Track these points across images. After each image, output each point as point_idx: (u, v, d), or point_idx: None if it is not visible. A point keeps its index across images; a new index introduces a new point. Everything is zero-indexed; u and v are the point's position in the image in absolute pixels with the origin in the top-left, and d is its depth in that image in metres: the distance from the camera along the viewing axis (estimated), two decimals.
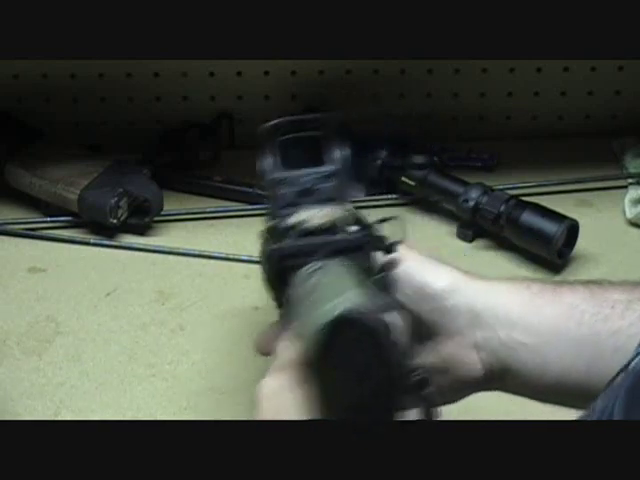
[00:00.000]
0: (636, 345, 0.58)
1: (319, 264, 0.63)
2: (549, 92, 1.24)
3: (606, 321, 0.66)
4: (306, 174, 0.70)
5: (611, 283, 0.69)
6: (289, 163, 0.71)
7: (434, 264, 0.72)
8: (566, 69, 1.22)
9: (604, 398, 0.49)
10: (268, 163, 0.70)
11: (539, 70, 1.22)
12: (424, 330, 0.71)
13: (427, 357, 0.72)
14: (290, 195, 0.69)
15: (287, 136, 0.70)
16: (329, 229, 0.67)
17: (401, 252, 0.69)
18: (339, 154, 0.70)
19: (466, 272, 0.72)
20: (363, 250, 0.66)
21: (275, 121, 0.70)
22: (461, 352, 0.70)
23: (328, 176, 0.70)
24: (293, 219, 0.67)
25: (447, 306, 0.70)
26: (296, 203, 0.68)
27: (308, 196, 0.69)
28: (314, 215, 0.67)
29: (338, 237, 0.66)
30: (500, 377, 0.69)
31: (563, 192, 1.15)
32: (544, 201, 1.06)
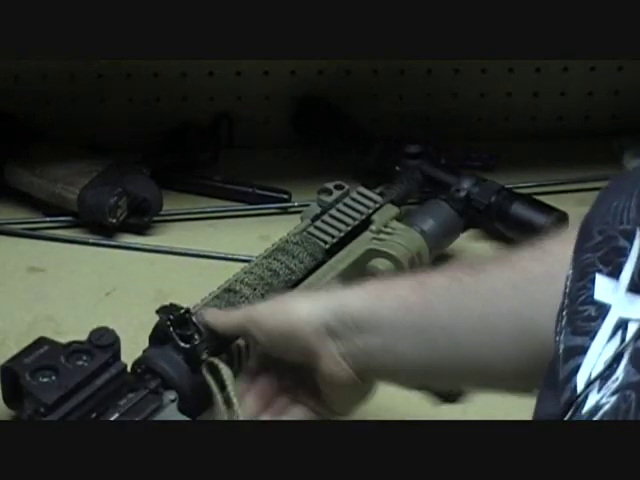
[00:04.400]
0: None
1: None
2: (549, 92, 1.24)
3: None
4: None
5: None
6: None
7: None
8: (566, 69, 1.22)
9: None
10: None
11: (539, 70, 1.22)
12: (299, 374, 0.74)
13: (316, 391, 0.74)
14: None
15: None
16: None
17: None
18: None
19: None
20: None
21: None
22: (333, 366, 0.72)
23: None
24: None
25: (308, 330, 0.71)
26: None
27: None
28: None
29: None
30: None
31: (563, 192, 1.15)
32: (544, 201, 1.06)
